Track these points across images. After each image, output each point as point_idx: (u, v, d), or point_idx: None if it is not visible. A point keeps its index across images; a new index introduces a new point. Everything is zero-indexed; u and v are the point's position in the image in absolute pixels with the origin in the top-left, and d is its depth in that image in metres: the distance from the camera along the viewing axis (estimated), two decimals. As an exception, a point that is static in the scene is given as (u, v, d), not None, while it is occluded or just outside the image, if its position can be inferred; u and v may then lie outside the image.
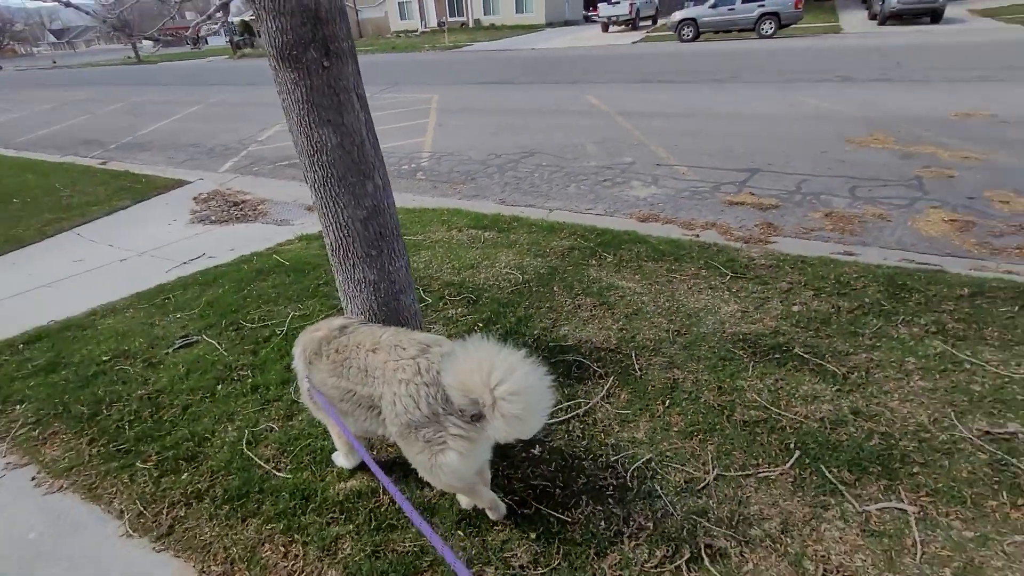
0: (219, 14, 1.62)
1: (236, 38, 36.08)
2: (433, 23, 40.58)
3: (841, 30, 19.99)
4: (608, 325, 3.06)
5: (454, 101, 11.65)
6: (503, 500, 1.97)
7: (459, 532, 1.89)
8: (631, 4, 27.64)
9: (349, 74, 1.91)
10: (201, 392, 2.72)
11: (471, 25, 39.66)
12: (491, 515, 1.91)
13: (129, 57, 42.51)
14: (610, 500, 1.98)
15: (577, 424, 2.36)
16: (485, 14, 39.62)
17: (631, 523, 1.88)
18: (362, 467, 2.17)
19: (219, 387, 2.76)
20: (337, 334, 1.88)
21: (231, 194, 6.44)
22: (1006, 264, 3.59)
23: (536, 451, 2.23)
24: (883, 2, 19.95)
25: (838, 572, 1.67)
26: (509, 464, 2.18)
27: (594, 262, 3.83)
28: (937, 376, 2.47)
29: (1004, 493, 1.88)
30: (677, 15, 22.04)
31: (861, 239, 4.14)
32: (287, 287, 3.78)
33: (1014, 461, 2.00)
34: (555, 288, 3.50)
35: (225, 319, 3.41)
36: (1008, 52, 12.39)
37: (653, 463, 2.12)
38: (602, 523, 1.88)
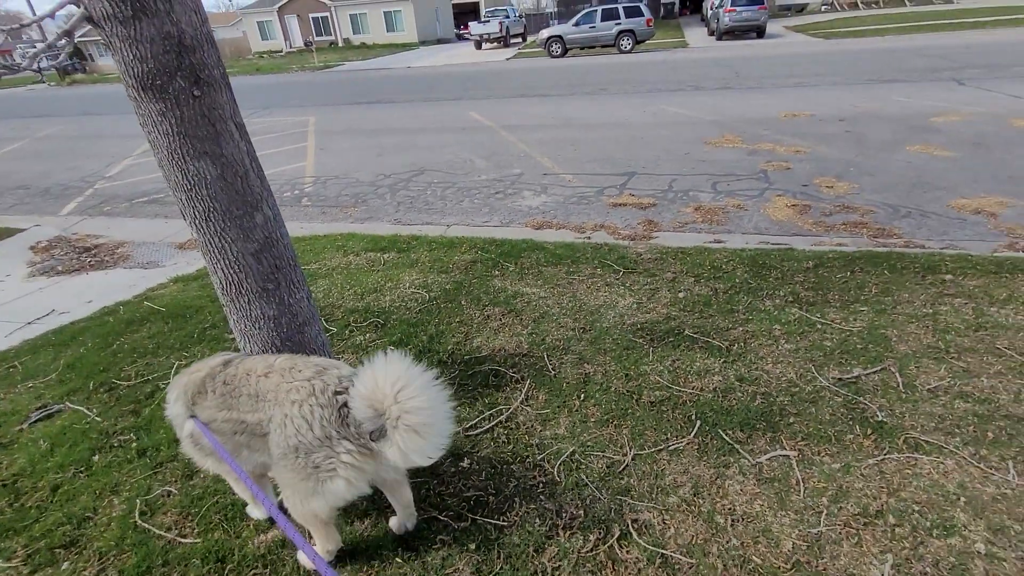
0: (61, 41, 1.43)
1: (65, 63, 31.72)
2: (298, 43, 38.99)
3: (688, 45, 22.49)
4: (518, 331, 3.17)
5: (333, 123, 11.28)
6: (438, 517, 1.96)
7: (397, 559, 1.85)
8: (501, 23, 28.79)
9: (224, 103, 1.81)
10: (73, 467, 2.36)
11: (340, 44, 38.66)
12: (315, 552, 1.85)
13: (-80, 88, 35.49)
14: (542, 497, 2.05)
15: (501, 430, 2.41)
16: (354, 33, 38.88)
17: (563, 515, 1.96)
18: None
19: (96, 458, 2.42)
20: (221, 368, 1.77)
21: (80, 239, 5.66)
22: (837, 238, 4.29)
23: (465, 464, 2.25)
24: (718, 20, 22.82)
25: (743, 519, 1.89)
26: (440, 481, 2.17)
27: (497, 272, 3.93)
28: (798, 338, 2.88)
29: (857, 427, 2.25)
30: (545, 32, 23.36)
31: (726, 228, 4.70)
32: (166, 336, 3.41)
33: (860, 399, 2.40)
34: (463, 302, 3.54)
35: (93, 381, 2.99)
36: (816, 61, 14.78)
37: (576, 455, 2.24)
38: (537, 520, 1.95)
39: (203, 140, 1.77)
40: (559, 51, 22.36)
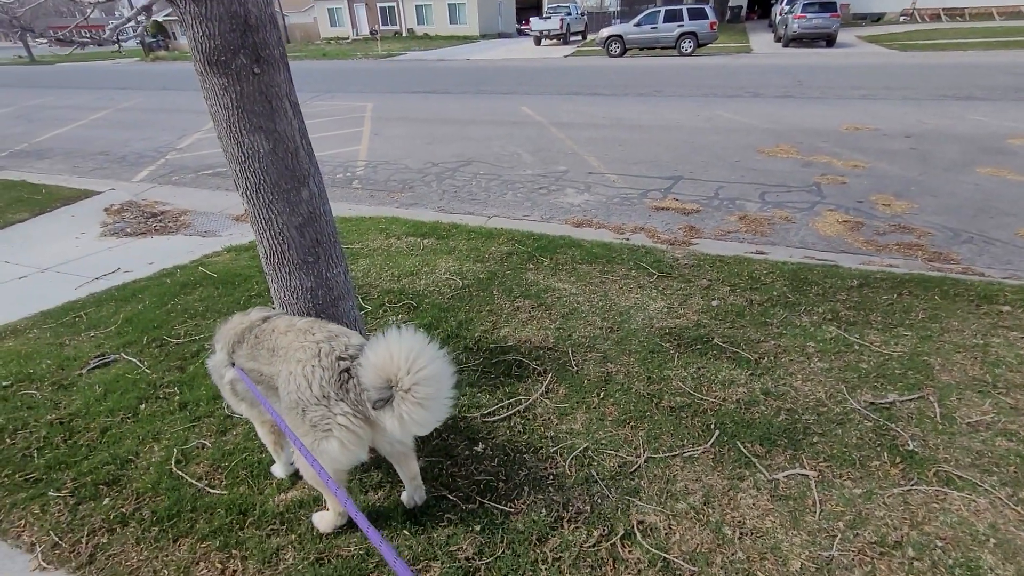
0: (140, 16, 1.57)
1: (148, 39, 33.78)
2: (365, 31, 39.99)
3: (751, 50, 21.71)
4: (546, 325, 3.19)
5: (389, 110, 11.56)
6: (448, 496, 2.03)
7: (405, 531, 1.92)
8: (562, 20, 28.59)
9: (281, 81, 1.92)
10: (122, 413, 2.57)
11: (404, 34, 39.44)
12: (323, 523, 1.92)
13: (21, 56, 38.63)
14: (551, 488, 2.08)
15: (518, 420, 2.45)
16: (419, 23, 39.57)
17: (570, 508, 1.99)
18: (301, 475, 2.14)
19: (142, 407, 2.61)
20: (260, 322, 1.90)
21: (148, 205, 6.06)
22: (888, 259, 4.09)
23: (479, 448, 2.30)
24: (786, 26, 21.90)
25: (752, 534, 1.86)
26: (453, 463, 2.23)
27: (531, 266, 3.97)
28: (832, 357, 2.78)
29: (885, 454, 2.16)
30: (605, 31, 23.07)
31: (770, 239, 4.56)
32: (216, 300, 3.63)
33: (892, 426, 2.30)
34: (494, 292, 3.59)
35: (147, 336, 3.23)
36: (887, 74, 13.99)
37: (590, 451, 2.25)
38: (543, 510, 1.98)
39: (259, 115, 1.88)
40: (618, 51, 22.06)
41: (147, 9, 1.60)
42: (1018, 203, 5.14)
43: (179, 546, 1.91)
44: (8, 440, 2.42)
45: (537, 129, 9.15)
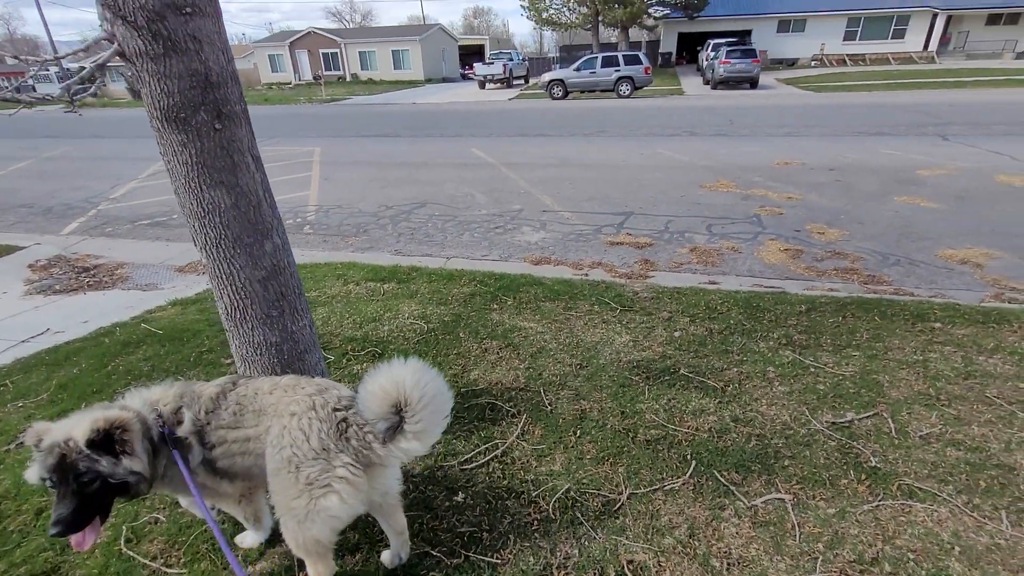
0: (96, 74, 1.50)
1: (76, 86, 32.33)
2: (307, 76, 40.09)
3: (684, 92, 23.30)
4: (515, 365, 3.18)
5: (338, 154, 11.52)
6: (431, 552, 1.94)
7: (388, 597, 1.81)
8: (504, 65, 29.82)
9: (243, 136, 1.89)
10: (59, 491, 2.32)
11: (348, 79, 39.80)
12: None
13: (-69, 105, 36.03)
14: (536, 535, 2.03)
15: (496, 465, 2.40)
16: (362, 69, 40.11)
17: (558, 553, 1.94)
18: (272, 541, 2.00)
19: (83, 482, 2.37)
20: (231, 387, 1.76)
21: (79, 259, 5.68)
22: (828, 283, 4.38)
23: (460, 498, 2.23)
24: (713, 71, 23.76)
25: (739, 564, 1.87)
26: (433, 516, 2.15)
27: (495, 306, 3.97)
28: (792, 380, 2.92)
29: (851, 472, 2.26)
30: (547, 76, 24.18)
31: (721, 269, 4.79)
32: (163, 359, 3.40)
33: (854, 444, 2.41)
34: (461, 334, 3.56)
35: (85, 402, 2.96)
36: (807, 113, 15.35)
37: (572, 492, 2.23)
38: (531, 559, 1.92)
39: (220, 170, 1.84)
40: (560, 94, 23.12)
41: (101, 68, 1.55)
42: (934, 227, 5.67)
43: (131, 641, 1.72)
44: (-80, 535, 2.13)
45: (489, 170, 9.34)
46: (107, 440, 1.47)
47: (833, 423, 2.56)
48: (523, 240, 5.79)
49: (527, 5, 33.19)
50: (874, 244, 5.27)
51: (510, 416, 2.73)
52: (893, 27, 32.63)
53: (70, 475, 1.43)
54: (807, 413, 2.64)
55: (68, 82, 1.56)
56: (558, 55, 44.39)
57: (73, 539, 1.48)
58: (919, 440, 2.42)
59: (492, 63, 30.53)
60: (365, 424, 1.58)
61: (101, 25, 1.59)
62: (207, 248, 1.95)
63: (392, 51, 39.21)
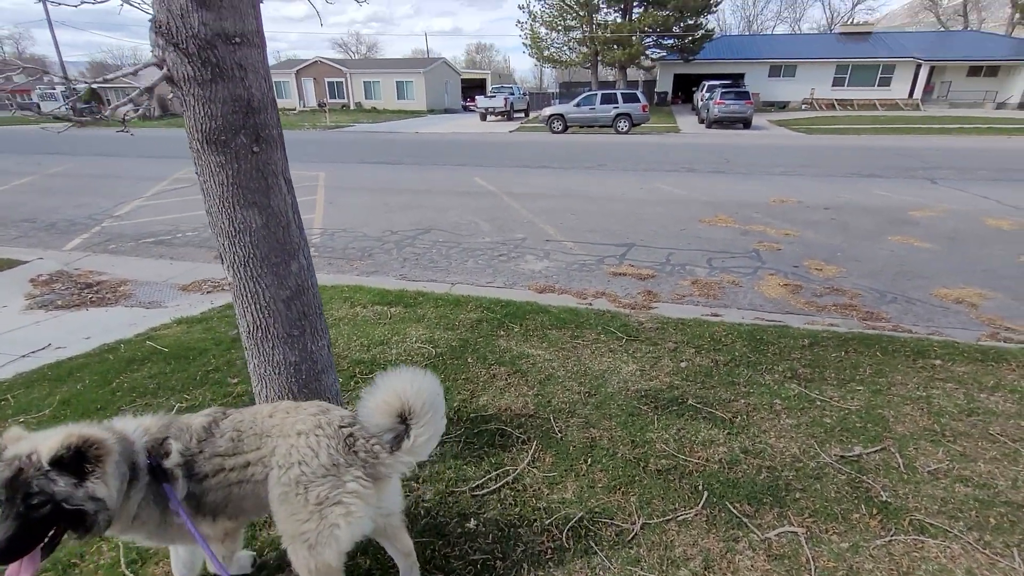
0: (143, 96, 1.57)
1: (80, 105, 32.79)
2: (312, 103, 40.84)
3: (680, 131, 23.96)
4: (524, 392, 3.19)
5: (342, 179, 11.67)
6: (445, 581, 1.92)
7: (401, 625, 1.78)
8: (506, 99, 30.58)
9: (278, 159, 1.95)
10: (63, 509, 2.28)
11: (352, 107, 40.60)
12: None
13: (-68, 118, 36.32)
14: (550, 564, 2.01)
15: (508, 492, 2.39)
16: (367, 98, 40.97)
17: (574, 584, 1.92)
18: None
19: (87, 500, 2.33)
20: (223, 417, 1.69)
21: (82, 275, 5.67)
22: (828, 318, 4.45)
23: (472, 525, 2.21)
24: (708, 110, 24.52)
25: (757, 598, 1.86)
26: (446, 542, 2.12)
27: (502, 333, 4.00)
28: (798, 413, 2.94)
29: (863, 506, 2.27)
30: (548, 110, 24.83)
31: (722, 302, 4.86)
32: (168, 376, 3.38)
33: (864, 478, 2.43)
34: (469, 359, 3.57)
35: (88, 419, 2.91)
36: (800, 153, 15.81)
37: (585, 521, 2.22)
38: (546, 589, 1.90)
39: (254, 192, 1.89)
40: (560, 128, 23.69)
41: (149, 91, 1.62)
42: (928, 266, 5.80)
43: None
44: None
45: (492, 199, 9.50)
46: (77, 460, 1.32)
47: (842, 457, 2.58)
48: (527, 268, 5.86)
49: (529, 43, 34.32)
50: (871, 281, 5.38)
51: (520, 443, 2.73)
52: (879, 75, 33.99)
53: (19, 494, 1.27)
54: (816, 446, 2.66)
55: (118, 104, 1.62)
56: (557, 91, 45.66)
57: (8, 570, 1.30)
58: (927, 475, 2.44)
59: (494, 96, 31.31)
60: (371, 437, 1.61)
61: (153, 51, 1.66)
62: (235, 266, 1.99)
63: (397, 82, 40.17)
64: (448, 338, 3.88)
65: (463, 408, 3.03)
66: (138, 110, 1.70)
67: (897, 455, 2.58)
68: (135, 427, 1.58)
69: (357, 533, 1.58)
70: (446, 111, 41.97)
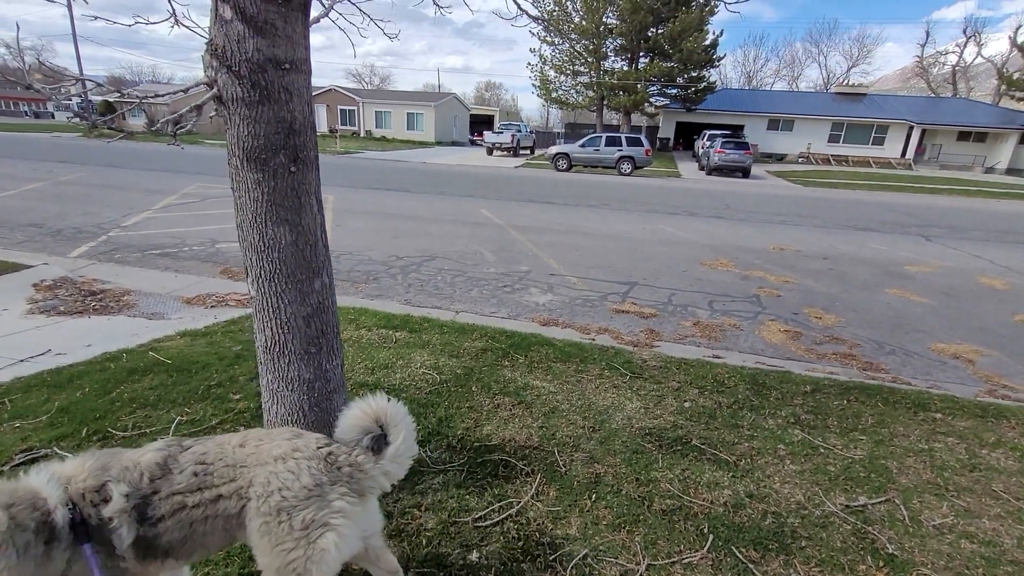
0: (192, 112, 1.63)
1: (95, 117, 33.35)
2: (323, 128, 41.71)
3: (680, 175, 24.55)
4: (528, 424, 3.18)
5: (350, 203, 11.83)
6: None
7: (402, 657, 1.73)
8: (513, 135, 31.36)
9: (312, 179, 2.02)
10: (57, 518, 2.22)
11: (362, 135, 41.46)
12: None
13: (-54, 122, 36.82)
14: (555, 601, 1.97)
15: (511, 524, 2.36)
16: (377, 127, 41.92)
17: (579, 623, 1.88)
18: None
19: (82, 511, 2.28)
20: (180, 451, 1.54)
21: (85, 282, 5.67)
22: (829, 366, 4.48)
23: (474, 557, 2.17)
24: (708, 158, 25.20)
25: (766, 646, 1.83)
26: (447, 574, 2.08)
27: (507, 363, 4.01)
28: (802, 460, 2.94)
29: (869, 558, 2.25)
30: (553, 149, 25.48)
31: (724, 344, 4.90)
32: (170, 389, 3.35)
33: (869, 529, 2.42)
34: (473, 388, 3.57)
35: (87, 427, 2.89)
36: (798, 204, 16.18)
37: (589, 559, 2.18)
38: (551, 627, 1.86)
39: (287, 209, 1.94)
40: (564, 166, 24.24)
41: (198, 109, 1.69)
42: (925, 321, 5.89)
43: None
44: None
45: (497, 231, 9.63)
46: None
47: (847, 506, 2.56)
48: (531, 300, 5.90)
49: (538, 84, 35.44)
50: (870, 332, 5.44)
51: (524, 475, 2.71)
52: (873, 134, 35.20)
53: None
54: (820, 494, 2.65)
55: (168, 118, 1.69)
56: (563, 131, 46.89)
57: None
58: (933, 530, 2.43)
59: (502, 132, 32.10)
60: (352, 450, 1.61)
61: (206, 72, 1.74)
62: (260, 281, 2.02)
63: (407, 113, 41.21)
64: (452, 365, 3.88)
65: (466, 437, 3.01)
66: (185, 126, 1.77)
67: (902, 507, 2.57)
68: (48, 479, 1.37)
69: (346, 554, 1.53)
70: (453, 143, 42.92)
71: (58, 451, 2.69)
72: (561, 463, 2.81)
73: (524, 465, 2.78)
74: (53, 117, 53.57)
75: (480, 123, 48.38)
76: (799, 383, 3.90)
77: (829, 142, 35.72)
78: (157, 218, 9.13)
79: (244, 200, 1.92)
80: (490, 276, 6.76)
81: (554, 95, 36.06)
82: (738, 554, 2.24)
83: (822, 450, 3.04)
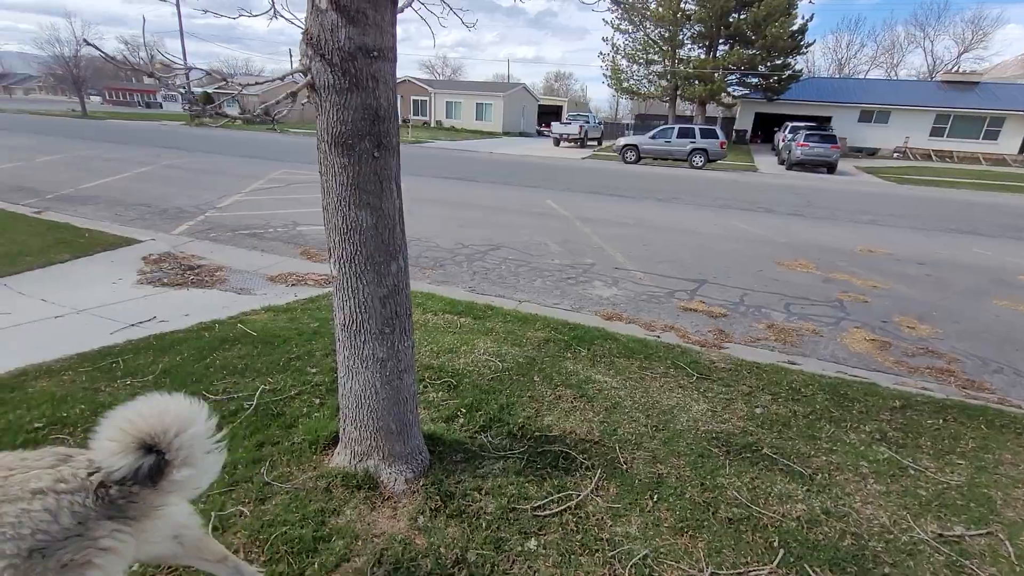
0: (289, 98, 1.75)
1: (196, 107, 36.56)
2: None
3: (758, 170, 23.21)
4: (589, 418, 3.15)
5: (418, 191, 12.15)
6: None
7: (461, 633, 1.78)
8: (581, 126, 30.91)
9: (393, 165, 2.08)
10: (159, 469, 2.47)
11: (432, 124, 42.44)
12: None
13: (74, 110, 41.52)
14: (613, 598, 1.95)
15: (570, 517, 2.35)
16: (447, 117, 42.75)
17: (637, 623, 1.85)
18: None
19: (179, 464, 2.51)
20: None
21: (185, 258, 6.21)
22: (922, 382, 4.10)
23: (532, 545, 2.19)
24: (789, 152, 23.61)
25: (840, 673, 1.71)
26: (505, 559, 2.11)
27: (569, 355, 3.98)
28: (889, 480, 2.71)
29: (965, 594, 2.05)
30: (622, 140, 24.87)
31: (801, 350, 4.60)
32: (255, 359, 3.61)
33: (967, 563, 2.19)
34: (535, 378, 3.58)
35: (186, 389, 3.12)
36: (890, 202, 14.85)
37: (650, 559, 2.14)
38: (608, 623, 1.84)
39: (369, 193, 2.02)
40: (633, 158, 23.61)
41: (293, 96, 1.78)
42: (1040, 338, 5.24)
43: (215, 628, 1.76)
44: (38, 488, 2.31)
45: (563, 222, 9.56)
46: None
47: (940, 535, 2.34)
48: (595, 294, 5.82)
49: (609, 74, 34.66)
50: (971, 346, 4.92)
51: (584, 468, 2.69)
52: (986, 127, 31.56)
53: None
54: (908, 519, 2.44)
55: (265, 104, 1.81)
56: (632, 122, 45.63)
57: None
58: (1044, 571, 2.17)
59: (570, 123, 31.76)
60: (128, 477, 1.33)
61: (301, 60, 1.84)
62: (341, 262, 2.11)
63: (477, 103, 41.71)
64: (515, 354, 3.91)
65: (527, 425, 3.03)
66: (282, 111, 1.88)
67: (1007, 543, 2.31)
68: None
69: None
70: (521, 134, 42.98)
71: (160, 408, 2.97)
72: (622, 460, 2.76)
73: (584, 459, 2.76)
74: (161, 107, 58.90)
75: (548, 114, 48.07)
76: (887, 397, 3.60)
77: (931, 136, 32.41)
78: (247, 201, 9.83)
79: (331, 184, 2.01)
80: (554, 267, 6.73)
81: (625, 85, 35.14)
82: (811, 573, 2.11)
83: (912, 471, 2.79)
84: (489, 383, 3.48)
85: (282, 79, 1.90)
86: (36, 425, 2.75)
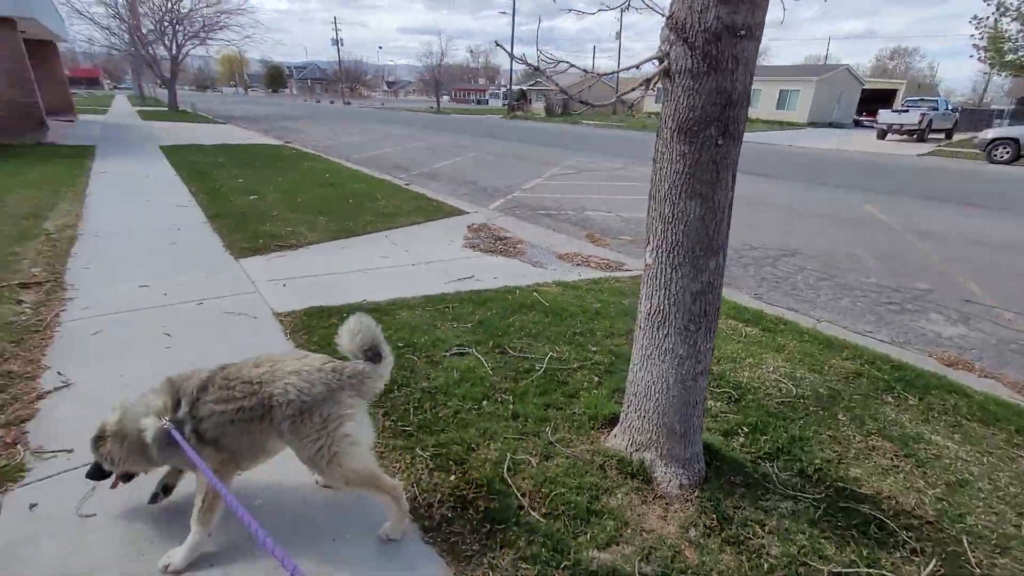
0: (642, 87, 1.80)
1: (513, 102, 43.21)
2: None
3: None
4: (919, 487, 2.46)
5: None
6: None
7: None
8: (923, 114, 24.29)
9: (734, 154, 1.94)
10: (470, 403, 2.96)
11: (722, 114, 39.57)
12: (393, 518, 2.02)
13: (431, 107, 53.63)
14: None
15: (886, 602, 1.88)
16: (741, 105, 39.23)
17: None
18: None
19: (484, 403, 2.97)
20: (218, 371, 1.96)
21: (496, 229, 7.27)
22: None
23: (830, 613, 1.83)
24: None
25: None
26: (792, 614, 1.82)
27: (890, 399, 3.19)
28: None
29: None
30: (990, 132, 18.59)
31: None
32: (546, 327, 3.99)
33: None
34: (839, 416, 2.99)
35: (492, 340, 3.72)
36: None
37: None
38: None
39: (703, 183, 1.93)
40: (1007, 157, 17.42)
41: (647, 83, 1.80)
42: None
43: (503, 555, 2.01)
44: (396, 392, 3.04)
45: (886, 233, 7.72)
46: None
47: None
48: (930, 329, 4.53)
49: (986, 44, 26.03)
50: None
51: (906, 549, 2.12)
52: None
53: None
54: None
55: (623, 92, 1.88)
56: (1010, 107, 33.58)
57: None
58: None
59: (906, 111, 25.29)
60: (352, 362, 1.91)
61: (661, 46, 1.84)
62: (659, 251, 2.10)
63: (780, 90, 36.98)
64: (813, 381, 3.34)
65: (825, 469, 2.55)
66: (641, 97, 1.93)
67: None
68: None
69: (365, 438, 1.89)
70: (831, 125, 36.44)
71: (476, 353, 3.54)
72: (973, 561, 2.07)
73: (908, 537, 2.17)
74: (488, 103, 70.95)
75: (874, 100, 39.19)
76: None
77: None
78: (545, 184, 10.97)
79: (665, 171, 1.99)
80: (869, 287, 5.49)
81: (1010, 58, 25.83)
82: None
83: None
84: (778, 406, 3.06)
85: (638, 66, 1.95)
86: (399, 344, 3.61)
